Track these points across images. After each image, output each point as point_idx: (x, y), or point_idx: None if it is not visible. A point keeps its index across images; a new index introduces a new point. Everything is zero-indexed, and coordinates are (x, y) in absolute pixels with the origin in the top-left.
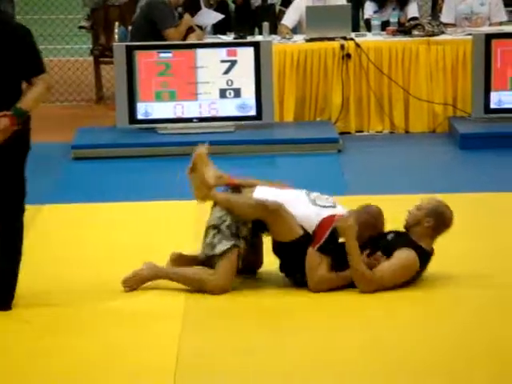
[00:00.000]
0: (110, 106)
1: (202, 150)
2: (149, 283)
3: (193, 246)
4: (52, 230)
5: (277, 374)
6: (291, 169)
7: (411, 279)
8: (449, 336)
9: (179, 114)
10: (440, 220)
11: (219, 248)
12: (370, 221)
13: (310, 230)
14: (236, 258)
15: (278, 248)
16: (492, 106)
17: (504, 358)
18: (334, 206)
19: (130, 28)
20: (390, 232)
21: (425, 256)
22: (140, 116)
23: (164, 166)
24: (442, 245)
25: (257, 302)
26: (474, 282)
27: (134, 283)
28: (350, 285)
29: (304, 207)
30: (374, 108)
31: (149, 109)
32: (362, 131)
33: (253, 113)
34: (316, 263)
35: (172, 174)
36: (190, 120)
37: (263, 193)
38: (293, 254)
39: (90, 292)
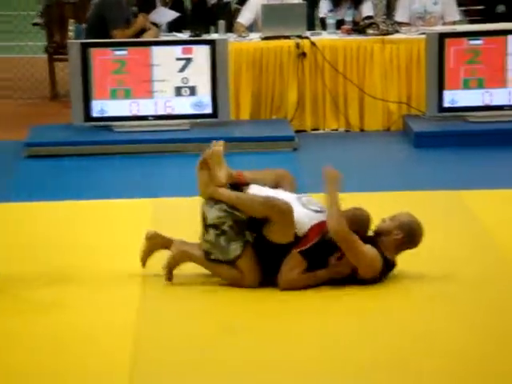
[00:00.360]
0: (65, 103)
1: (219, 148)
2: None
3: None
4: (4, 230)
5: (231, 370)
6: (247, 167)
7: (370, 280)
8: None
9: (135, 112)
10: (409, 236)
11: (233, 253)
12: (355, 220)
13: (300, 232)
14: (252, 252)
15: (262, 243)
16: (445, 104)
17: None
18: (323, 211)
19: (83, 25)
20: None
21: (387, 265)
22: (95, 114)
23: (119, 164)
24: None
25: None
26: (424, 279)
27: (169, 269)
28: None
29: (297, 210)
30: (329, 106)
31: (104, 106)
32: (317, 129)
33: (208, 111)
34: (293, 265)
35: (127, 172)
36: (145, 118)
37: (259, 193)
38: (274, 252)
39: (41, 283)
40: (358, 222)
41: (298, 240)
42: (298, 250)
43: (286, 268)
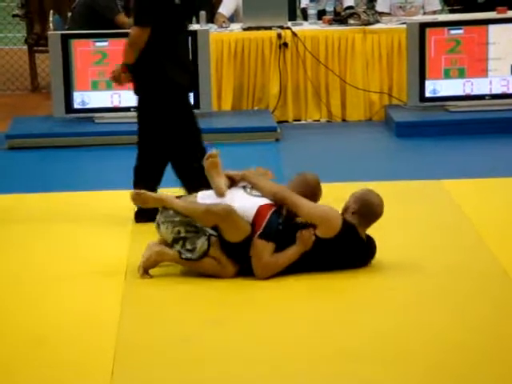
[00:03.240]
0: (46, 95)
1: (213, 160)
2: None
3: (132, 236)
4: None
5: (213, 362)
6: (229, 158)
7: (348, 263)
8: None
9: (116, 104)
10: (365, 207)
11: (201, 249)
12: (307, 190)
13: (251, 220)
14: (217, 242)
15: (225, 244)
16: (427, 94)
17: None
18: None
19: (69, 14)
20: None
21: (350, 229)
22: (76, 105)
23: (101, 156)
24: (376, 232)
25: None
26: (407, 269)
27: (146, 266)
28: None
29: (240, 201)
30: (311, 97)
31: (85, 98)
32: (299, 120)
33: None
34: (259, 251)
35: (109, 164)
36: (127, 109)
37: (206, 197)
38: (240, 247)
39: (22, 275)
40: (304, 185)
41: (253, 227)
42: (257, 234)
43: (254, 257)
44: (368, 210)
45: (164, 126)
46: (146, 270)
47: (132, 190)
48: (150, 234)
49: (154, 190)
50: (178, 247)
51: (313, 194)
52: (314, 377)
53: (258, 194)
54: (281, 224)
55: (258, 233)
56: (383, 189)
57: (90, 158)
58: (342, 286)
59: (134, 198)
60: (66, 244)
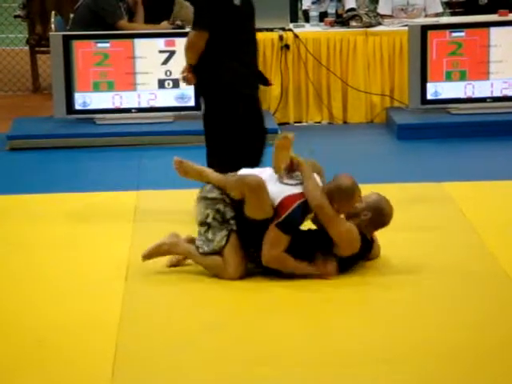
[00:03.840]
0: (47, 96)
1: (287, 140)
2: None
3: (132, 237)
4: None
5: (214, 364)
6: None
7: (350, 260)
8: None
9: (117, 105)
10: (378, 215)
11: (218, 244)
12: (339, 192)
13: (274, 206)
14: (236, 240)
15: (243, 221)
16: (428, 96)
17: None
18: (299, 184)
19: (71, 16)
20: None
21: (365, 243)
22: (78, 106)
23: (102, 157)
24: (377, 233)
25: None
26: (408, 270)
27: (154, 252)
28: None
29: (272, 186)
30: (312, 99)
31: (87, 99)
32: (300, 122)
33: (192, 103)
34: (273, 240)
35: (110, 165)
36: (128, 110)
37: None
38: (255, 229)
39: (24, 275)
40: (342, 194)
41: (275, 215)
42: (275, 222)
43: (267, 243)
44: (379, 218)
45: (221, 129)
46: (150, 255)
47: (174, 158)
48: (150, 235)
49: None
50: (201, 233)
51: (350, 202)
52: (315, 380)
53: (289, 182)
54: (303, 219)
55: (277, 221)
56: (384, 191)
57: (91, 159)
58: (341, 287)
59: (177, 168)
60: (67, 245)
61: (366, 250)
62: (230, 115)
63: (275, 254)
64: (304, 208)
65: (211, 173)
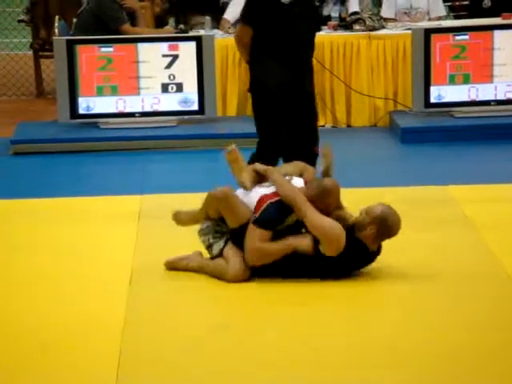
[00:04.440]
0: (51, 100)
1: (232, 155)
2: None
3: (136, 241)
4: None
5: (218, 367)
6: None
7: (348, 267)
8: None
9: (121, 109)
10: (384, 229)
11: (217, 248)
12: (322, 193)
13: (252, 209)
14: (235, 245)
15: (231, 234)
16: (432, 100)
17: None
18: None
19: (74, 20)
20: None
21: (361, 249)
22: (81, 111)
23: (106, 161)
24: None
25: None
26: (411, 272)
27: (175, 262)
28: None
29: (250, 193)
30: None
31: (90, 103)
32: None
33: (195, 107)
34: (250, 236)
35: (114, 169)
36: (132, 115)
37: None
38: (241, 236)
39: (28, 279)
40: (323, 192)
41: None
42: (251, 220)
43: (246, 242)
44: (385, 232)
45: (261, 125)
46: (171, 263)
47: (172, 211)
48: (155, 239)
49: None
50: (204, 243)
51: (327, 201)
52: (319, 382)
53: (265, 185)
54: (281, 215)
55: (253, 219)
56: (388, 194)
57: (95, 164)
58: (343, 291)
59: (173, 219)
60: (71, 249)
61: (368, 261)
62: (261, 110)
63: (255, 247)
64: (281, 205)
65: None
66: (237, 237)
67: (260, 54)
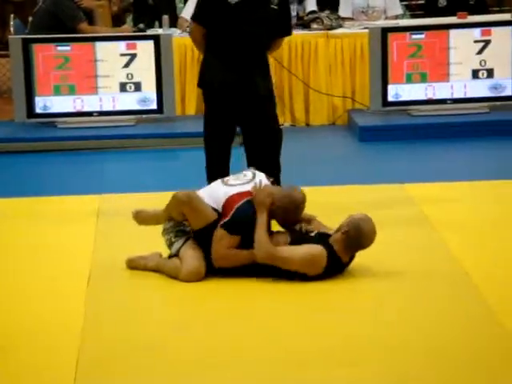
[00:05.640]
0: (7, 100)
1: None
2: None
3: (95, 240)
4: None
5: (178, 368)
6: (193, 162)
7: (316, 276)
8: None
9: (79, 108)
10: (356, 231)
11: (175, 247)
12: (289, 207)
13: (219, 209)
14: (194, 244)
15: (195, 235)
16: (389, 98)
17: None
18: (248, 182)
19: (30, 19)
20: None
21: (334, 259)
22: (38, 110)
23: (64, 161)
24: None
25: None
26: (370, 272)
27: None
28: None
29: (215, 190)
30: None
31: (47, 103)
32: None
33: (154, 106)
34: (217, 239)
35: (73, 169)
36: (90, 114)
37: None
38: (206, 238)
39: None
40: (288, 212)
41: (221, 216)
42: (220, 223)
43: (213, 245)
44: (357, 236)
45: (205, 123)
46: (132, 261)
47: (132, 211)
48: (113, 238)
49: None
50: (167, 241)
51: (293, 211)
52: (293, 381)
53: (235, 182)
54: (253, 217)
55: (222, 222)
56: (347, 193)
57: (53, 163)
58: (317, 289)
59: (134, 218)
60: (28, 248)
61: (337, 272)
62: (205, 108)
63: (222, 253)
64: (248, 207)
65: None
66: (200, 238)
67: (208, 52)
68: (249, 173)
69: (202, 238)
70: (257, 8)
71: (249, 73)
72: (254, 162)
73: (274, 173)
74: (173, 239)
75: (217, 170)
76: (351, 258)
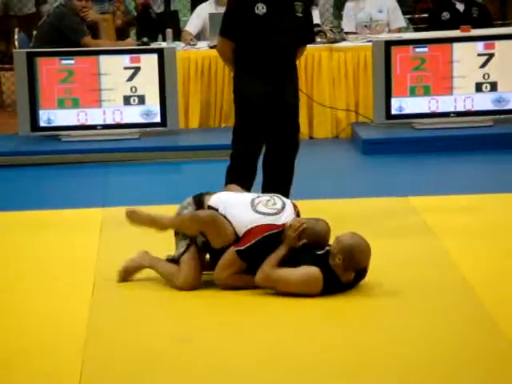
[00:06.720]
0: (12, 113)
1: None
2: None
3: (98, 253)
4: None
5: (180, 377)
6: (196, 175)
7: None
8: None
9: (83, 121)
10: (350, 261)
11: (177, 252)
12: (314, 239)
13: (240, 233)
14: (195, 253)
15: (211, 250)
16: (393, 111)
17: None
18: (277, 213)
19: (34, 33)
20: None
21: (333, 279)
22: (42, 123)
23: (67, 174)
24: None
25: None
26: (373, 286)
27: (127, 276)
28: None
29: (243, 213)
30: None
31: (51, 116)
32: None
33: (157, 120)
34: (228, 263)
35: (76, 182)
36: (93, 127)
37: (218, 198)
38: (219, 254)
39: None
40: (314, 243)
41: (239, 239)
42: (236, 248)
43: (221, 264)
44: (353, 264)
45: (238, 136)
46: (126, 272)
47: (126, 210)
48: (117, 250)
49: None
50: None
51: (318, 243)
52: None
53: (264, 210)
54: (266, 250)
55: (238, 248)
56: (350, 206)
57: (57, 177)
58: (318, 300)
59: (128, 216)
60: (32, 260)
61: (339, 290)
62: (237, 118)
63: (225, 276)
64: (269, 240)
65: (163, 218)
66: (215, 252)
67: (239, 66)
68: (278, 201)
69: (216, 253)
70: (284, 17)
71: (280, 82)
72: (271, 172)
73: (287, 184)
74: (182, 241)
75: (242, 181)
76: (359, 275)
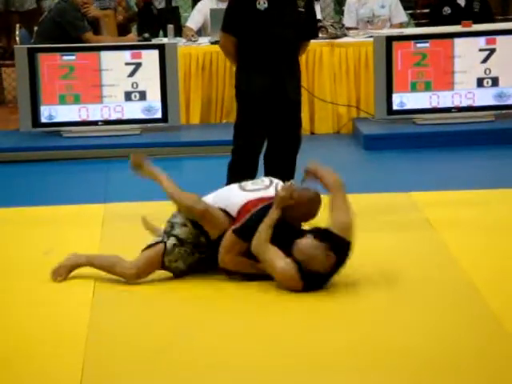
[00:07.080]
0: (13, 109)
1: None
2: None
3: (100, 249)
4: None
5: (184, 374)
6: (197, 171)
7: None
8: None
9: (84, 117)
10: (306, 268)
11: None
12: (303, 204)
13: (233, 213)
14: (158, 252)
15: (215, 246)
16: (394, 107)
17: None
18: (266, 187)
19: (35, 28)
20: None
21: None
22: (44, 119)
23: (69, 170)
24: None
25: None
26: (374, 281)
27: (63, 273)
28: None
29: (231, 194)
30: None
31: (53, 112)
32: None
33: (159, 115)
34: (228, 244)
35: (77, 178)
36: (95, 123)
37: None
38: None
39: None
40: (303, 212)
41: (235, 220)
42: (232, 228)
43: (222, 247)
44: (309, 266)
45: (240, 132)
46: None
47: (131, 155)
48: (118, 247)
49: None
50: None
51: (308, 214)
52: None
53: (252, 187)
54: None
55: (234, 227)
56: (351, 201)
57: (58, 173)
58: (322, 294)
59: (133, 160)
60: (33, 259)
61: (321, 281)
62: (239, 114)
63: (229, 259)
64: (263, 213)
65: (165, 181)
66: (216, 247)
67: (241, 61)
68: (266, 179)
69: (217, 244)
70: (285, 12)
71: (282, 77)
72: (272, 167)
73: (289, 180)
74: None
75: (244, 176)
76: (339, 262)
